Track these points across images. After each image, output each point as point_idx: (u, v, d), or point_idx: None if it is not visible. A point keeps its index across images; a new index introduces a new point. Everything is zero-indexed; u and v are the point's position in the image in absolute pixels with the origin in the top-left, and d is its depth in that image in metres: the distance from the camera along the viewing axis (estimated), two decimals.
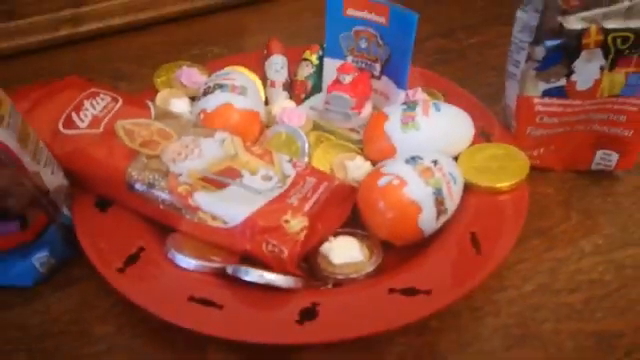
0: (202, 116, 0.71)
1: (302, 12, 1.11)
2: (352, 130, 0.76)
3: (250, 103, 0.72)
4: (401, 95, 0.76)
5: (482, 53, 1.02)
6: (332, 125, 0.77)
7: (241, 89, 0.73)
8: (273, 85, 0.83)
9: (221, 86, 0.73)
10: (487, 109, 0.77)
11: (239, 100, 0.71)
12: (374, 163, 0.69)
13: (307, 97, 0.83)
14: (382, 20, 0.74)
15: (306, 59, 0.84)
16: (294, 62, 0.82)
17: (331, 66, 0.80)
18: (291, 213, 0.57)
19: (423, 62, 1.03)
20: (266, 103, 0.82)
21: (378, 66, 0.78)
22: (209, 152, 0.64)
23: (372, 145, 0.71)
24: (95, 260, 0.56)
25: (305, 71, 0.84)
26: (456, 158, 0.69)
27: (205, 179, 0.61)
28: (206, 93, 0.73)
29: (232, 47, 1.04)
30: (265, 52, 0.86)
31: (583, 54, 0.63)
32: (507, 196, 0.65)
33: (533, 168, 0.77)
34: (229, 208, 0.58)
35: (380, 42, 0.76)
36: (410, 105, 0.70)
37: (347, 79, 0.73)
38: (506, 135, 0.73)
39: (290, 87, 0.84)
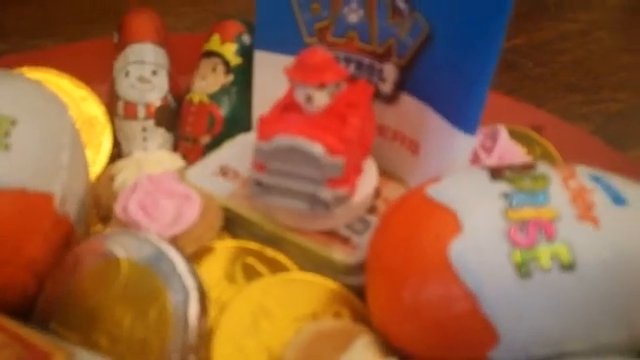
0: None
1: None
2: (329, 237, 0.28)
3: (21, 171, 0.23)
4: (465, 144, 0.28)
5: None
6: (277, 220, 0.29)
7: None
8: (131, 113, 0.34)
9: None
10: None
11: None
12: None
13: (214, 143, 0.35)
14: None
15: (213, 53, 0.36)
16: (185, 62, 0.33)
17: (270, 67, 0.33)
18: None
19: None
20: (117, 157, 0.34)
21: (392, 70, 0.31)
22: None
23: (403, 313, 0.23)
24: None
25: (210, 81, 0.35)
26: None
27: None
28: None
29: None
30: (116, 38, 0.37)
31: None
32: None
33: None
34: None
35: (402, 4, 0.29)
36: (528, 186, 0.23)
37: (321, 99, 0.25)
38: None
39: (175, 119, 0.36)
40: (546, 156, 0.32)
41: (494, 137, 0.30)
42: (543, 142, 0.33)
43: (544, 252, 0.21)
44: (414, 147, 0.32)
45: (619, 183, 0.23)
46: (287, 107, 0.27)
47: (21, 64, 0.37)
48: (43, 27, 0.54)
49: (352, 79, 0.31)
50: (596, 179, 0.23)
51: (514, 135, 0.32)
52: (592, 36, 0.59)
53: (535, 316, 0.21)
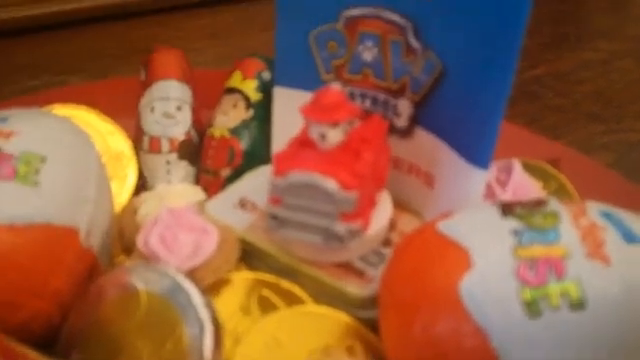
0: None
1: (246, 22, 0.65)
2: (344, 270, 0.29)
3: (49, 206, 0.24)
4: (479, 178, 0.29)
5: None
6: (293, 253, 0.29)
7: (26, 166, 0.25)
8: (155, 147, 0.36)
9: None
10: None
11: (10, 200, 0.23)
12: None
13: (235, 175, 0.36)
14: None
15: (234, 89, 0.37)
16: (208, 96, 0.34)
17: (289, 102, 0.34)
18: None
19: None
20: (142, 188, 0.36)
21: (407, 105, 0.32)
22: None
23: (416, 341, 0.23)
24: None
25: (231, 117, 0.37)
26: None
27: None
28: None
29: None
30: (143, 75, 0.39)
31: None
32: None
33: None
34: None
35: (415, 43, 0.30)
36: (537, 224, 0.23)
37: (335, 136, 0.26)
38: None
39: (197, 153, 0.37)
40: (561, 190, 0.33)
41: (508, 171, 0.31)
42: (559, 176, 0.33)
43: (554, 290, 0.21)
44: (429, 180, 0.32)
45: (631, 220, 0.23)
46: (303, 143, 0.28)
47: (52, 100, 0.39)
48: (69, 64, 0.57)
49: (366, 114, 0.32)
50: (607, 216, 0.23)
51: (529, 169, 0.32)
52: (613, 65, 0.59)
53: (545, 353, 0.21)
